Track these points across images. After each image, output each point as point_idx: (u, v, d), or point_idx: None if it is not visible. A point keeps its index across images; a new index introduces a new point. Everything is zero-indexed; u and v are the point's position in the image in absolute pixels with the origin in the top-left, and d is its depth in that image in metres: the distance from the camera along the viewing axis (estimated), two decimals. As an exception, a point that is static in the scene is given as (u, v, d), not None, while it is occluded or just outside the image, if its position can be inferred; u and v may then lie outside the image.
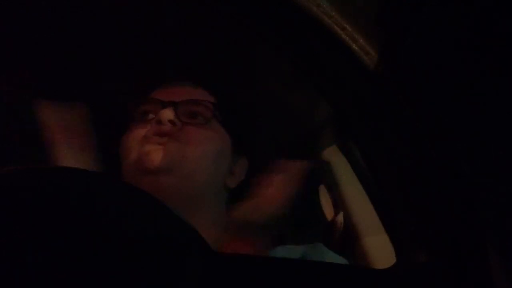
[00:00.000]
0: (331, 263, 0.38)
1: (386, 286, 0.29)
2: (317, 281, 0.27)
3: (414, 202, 0.31)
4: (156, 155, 0.65)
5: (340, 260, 0.69)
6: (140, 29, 0.73)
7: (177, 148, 0.67)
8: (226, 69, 0.76)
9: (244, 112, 0.76)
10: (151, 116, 0.70)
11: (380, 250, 0.73)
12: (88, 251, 0.22)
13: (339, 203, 0.83)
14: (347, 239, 0.80)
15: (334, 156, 0.87)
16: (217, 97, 0.74)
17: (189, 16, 0.72)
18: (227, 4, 0.43)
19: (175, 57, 0.77)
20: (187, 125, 0.69)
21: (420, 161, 0.30)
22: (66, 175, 0.24)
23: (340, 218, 0.81)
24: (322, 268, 0.29)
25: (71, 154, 0.66)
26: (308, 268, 0.28)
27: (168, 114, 0.68)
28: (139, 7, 0.71)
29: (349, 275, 0.29)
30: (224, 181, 0.73)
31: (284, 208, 0.64)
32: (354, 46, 0.29)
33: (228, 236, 0.64)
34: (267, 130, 0.85)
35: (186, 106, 0.70)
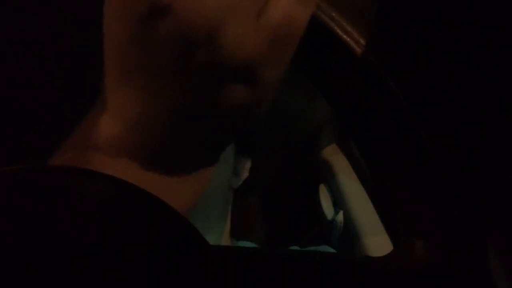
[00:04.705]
0: (330, 253, 0.38)
1: (382, 279, 0.29)
2: (317, 272, 0.27)
3: (414, 202, 0.31)
4: None
5: None
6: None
7: None
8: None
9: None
10: None
11: (380, 250, 0.73)
12: (86, 250, 0.22)
13: (339, 203, 0.83)
14: (347, 239, 0.80)
15: (334, 156, 0.87)
16: None
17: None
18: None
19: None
20: None
21: (419, 161, 0.30)
22: (65, 174, 0.24)
23: (340, 217, 0.81)
24: (321, 259, 0.29)
25: None
26: (307, 259, 0.28)
27: None
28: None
29: (346, 264, 0.29)
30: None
31: None
32: (355, 47, 0.29)
33: None
34: (267, 130, 0.85)
35: None
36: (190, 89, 0.25)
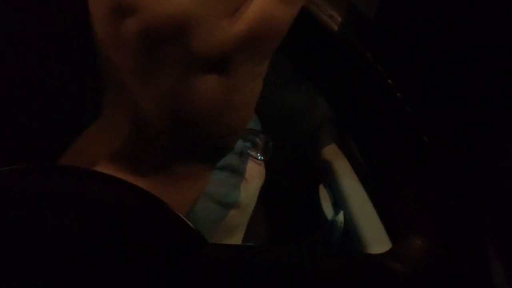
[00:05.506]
0: (329, 250, 0.38)
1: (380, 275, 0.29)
2: (316, 269, 0.27)
3: (414, 202, 0.31)
4: None
5: None
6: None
7: None
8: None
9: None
10: None
11: (380, 250, 0.73)
12: (85, 250, 0.22)
13: (339, 203, 0.83)
14: (348, 239, 0.80)
15: (334, 156, 0.86)
16: None
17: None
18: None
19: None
20: None
21: (419, 161, 0.30)
22: (65, 174, 0.24)
23: (341, 218, 0.81)
24: (320, 256, 0.29)
25: None
26: (306, 257, 0.28)
27: None
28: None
29: (345, 261, 0.29)
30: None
31: None
32: (355, 46, 0.29)
33: None
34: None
35: None
36: (163, 86, 0.25)
